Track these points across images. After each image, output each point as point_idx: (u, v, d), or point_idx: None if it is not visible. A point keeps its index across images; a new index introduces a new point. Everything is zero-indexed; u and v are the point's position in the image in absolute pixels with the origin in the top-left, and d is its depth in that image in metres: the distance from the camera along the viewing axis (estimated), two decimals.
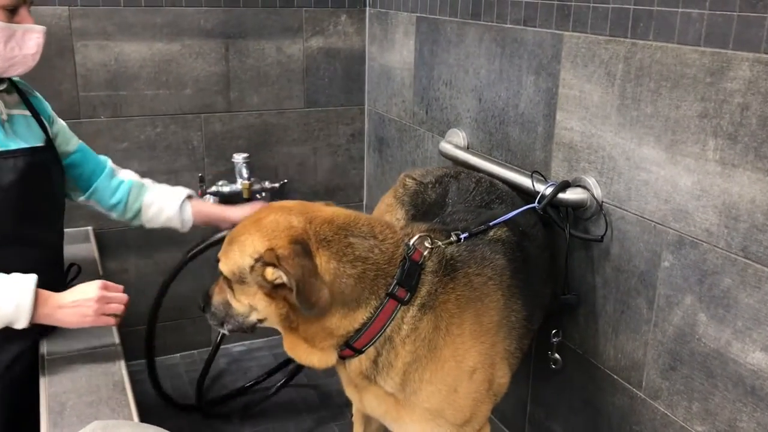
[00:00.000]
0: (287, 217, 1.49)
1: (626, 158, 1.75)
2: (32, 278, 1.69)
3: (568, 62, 1.90)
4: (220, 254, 1.55)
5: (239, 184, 2.84)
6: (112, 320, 1.78)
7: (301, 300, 1.41)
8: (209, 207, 2.24)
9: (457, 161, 2.30)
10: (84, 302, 1.73)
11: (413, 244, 1.57)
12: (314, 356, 1.53)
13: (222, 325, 1.64)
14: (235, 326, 1.61)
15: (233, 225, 2.02)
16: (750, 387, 1.51)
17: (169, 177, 2.82)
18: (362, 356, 1.53)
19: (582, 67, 1.85)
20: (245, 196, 2.83)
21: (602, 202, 1.84)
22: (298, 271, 1.40)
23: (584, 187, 1.87)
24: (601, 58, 1.79)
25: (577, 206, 1.88)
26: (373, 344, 1.51)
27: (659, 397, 1.75)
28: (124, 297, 1.81)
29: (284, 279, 1.42)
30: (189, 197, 2.16)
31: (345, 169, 3.16)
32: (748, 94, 1.43)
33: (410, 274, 1.51)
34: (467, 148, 2.36)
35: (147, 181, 2.15)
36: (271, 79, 2.92)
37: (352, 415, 2.14)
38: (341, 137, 3.11)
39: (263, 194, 2.92)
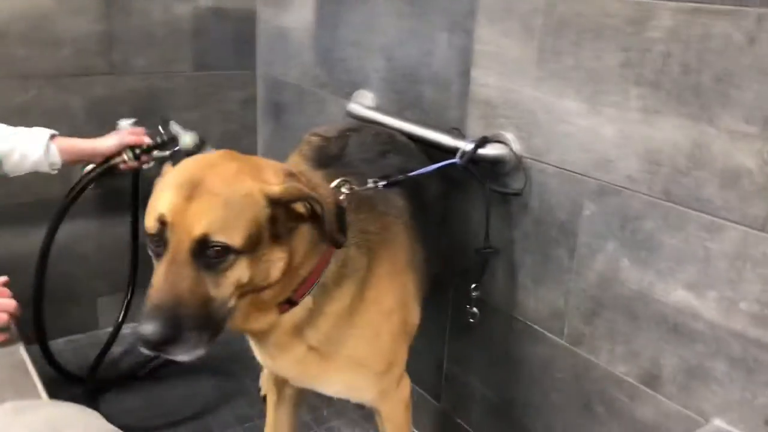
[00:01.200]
0: (253, 160, 1.39)
1: (546, 112, 1.78)
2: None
3: (484, 18, 1.90)
4: (213, 231, 1.24)
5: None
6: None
7: (332, 228, 1.33)
8: (77, 142, 2.22)
9: (367, 122, 2.26)
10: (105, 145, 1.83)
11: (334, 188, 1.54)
12: (265, 319, 1.43)
13: (204, 341, 1.25)
14: (215, 327, 1.27)
15: (106, 158, 2.12)
16: (673, 324, 1.58)
17: None
18: (297, 308, 1.45)
19: (499, 23, 1.86)
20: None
21: (521, 156, 1.86)
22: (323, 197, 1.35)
23: (503, 143, 1.89)
24: (519, 13, 1.80)
25: (496, 161, 1.89)
26: (310, 293, 1.45)
27: (581, 343, 1.80)
28: (12, 304, 1.60)
29: (317, 209, 1.32)
30: (52, 137, 2.14)
31: (238, 137, 3.03)
32: (671, 43, 1.49)
33: (341, 218, 1.45)
34: (376, 109, 2.32)
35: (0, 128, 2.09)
36: (157, 39, 2.73)
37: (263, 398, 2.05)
38: (233, 103, 2.98)
39: (151, 163, 2.74)
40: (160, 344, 1.19)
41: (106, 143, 2.18)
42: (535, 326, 1.92)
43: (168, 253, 1.24)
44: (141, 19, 2.68)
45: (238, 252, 1.25)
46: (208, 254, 1.24)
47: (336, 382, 1.61)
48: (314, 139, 2.13)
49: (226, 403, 2.53)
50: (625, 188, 1.63)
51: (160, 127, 2.05)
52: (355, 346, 1.54)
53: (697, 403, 1.56)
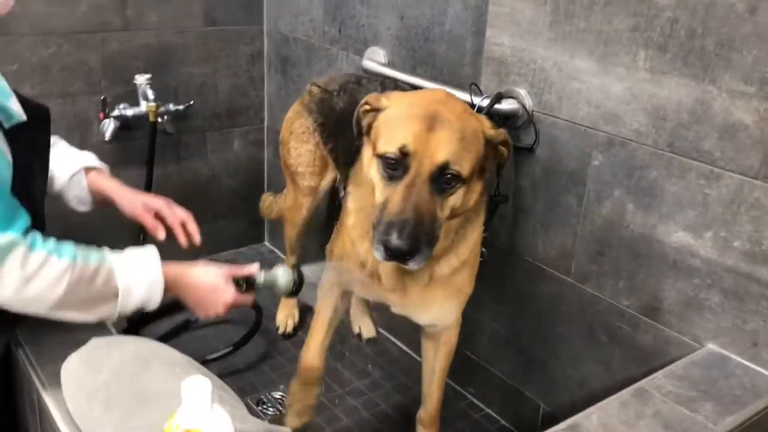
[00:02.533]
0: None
1: (558, 70, 1.94)
2: (153, 251, 1.59)
3: None
4: (452, 160, 1.44)
5: (144, 107, 2.74)
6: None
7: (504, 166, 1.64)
8: (106, 186, 1.87)
9: (382, 78, 2.40)
10: (208, 306, 1.65)
11: None
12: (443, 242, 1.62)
13: (430, 252, 1.48)
14: (434, 243, 1.49)
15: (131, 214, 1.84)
16: (672, 261, 1.79)
17: (66, 101, 2.68)
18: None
19: None
20: (151, 119, 2.74)
21: (533, 111, 2.03)
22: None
23: (515, 99, 2.05)
24: None
25: (509, 116, 2.06)
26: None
27: (588, 280, 2.01)
28: (249, 301, 1.74)
29: (505, 153, 1.58)
30: (88, 169, 1.85)
31: (245, 91, 3.14)
32: (678, 9, 1.65)
33: None
34: (389, 65, 2.46)
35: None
36: None
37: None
38: (241, 58, 3.08)
39: (166, 117, 2.85)
40: (405, 254, 1.42)
41: (128, 205, 1.87)
42: (544, 266, 2.12)
43: (408, 176, 1.46)
44: None
45: (463, 180, 1.48)
46: (442, 180, 1.46)
47: (439, 308, 1.81)
48: (315, 89, 2.29)
49: (248, 343, 2.70)
50: (632, 141, 1.81)
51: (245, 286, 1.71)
52: (464, 274, 1.78)
53: (693, 330, 1.78)
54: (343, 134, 2.03)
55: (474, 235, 1.73)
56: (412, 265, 1.47)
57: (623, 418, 1.49)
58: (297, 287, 1.75)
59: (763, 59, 1.53)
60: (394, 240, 1.40)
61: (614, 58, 1.80)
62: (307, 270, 1.80)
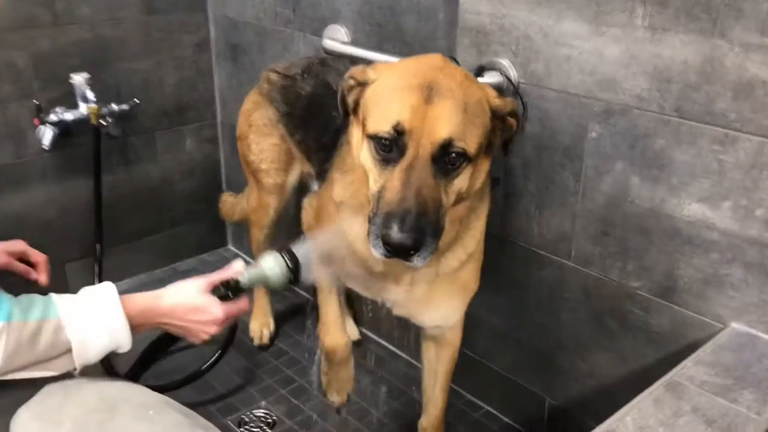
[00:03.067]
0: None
1: (544, 36, 1.76)
2: (109, 289, 1.35)
3: None
4: (457, 136, 1.24)
5: (84, 109, 2.49)
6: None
7: (512, 141, 1.44)
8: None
9: (345, 58, 2.19)
10: (196, 331, 1.43)
11: None
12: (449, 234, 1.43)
13: (436, 245, 1.28)
14: (439, 235, 1.29)
15: None
16: (687, 237, 1.64)
17: None
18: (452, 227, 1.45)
19: None
20: (93, 122, 2.49)
21: (519, 83, 1.85)
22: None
23: (498, 71, 1.87)
24: None
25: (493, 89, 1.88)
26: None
27: (591, 263, 1.85)
28: (244, 308, 1.50)
29: (513, 125, 1.38)
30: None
31: (194, 84, 2.90)
32: None
33: None
34: (353, 44, 2.25)
35: None
36: None
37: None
38: (186, 48, 2.83)
39: (109, 119, 2.60)
40: (409, 250, 1.21)
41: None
42: (541, 251, 1.96)
43: (406, 158, 1.24)
44: None
45: (469, 159, 1.27)
46: (446, 160, 1.25)
47: (446, 307, 1.65)
48: (274, 76, 2.09)
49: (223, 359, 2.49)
50: (634, 107, 1.65)
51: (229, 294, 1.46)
52: (470, 269, 1.62)
53: (715, 309, 1.63)
54: (313, 121, 1.83)
55: (479, 224, 1.56)
56: (416, 262, 1.25)
57: (661, 417, 1.33)
58: (294, 275, 1.47)
59: None
60: (395, 234, 1.19)
61: (608, 18, 1.63)
62: (301, 250, 1.50)
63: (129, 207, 2.85)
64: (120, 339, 1.32)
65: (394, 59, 1.99)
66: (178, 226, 3.06)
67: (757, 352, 1.52)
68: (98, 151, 2.54)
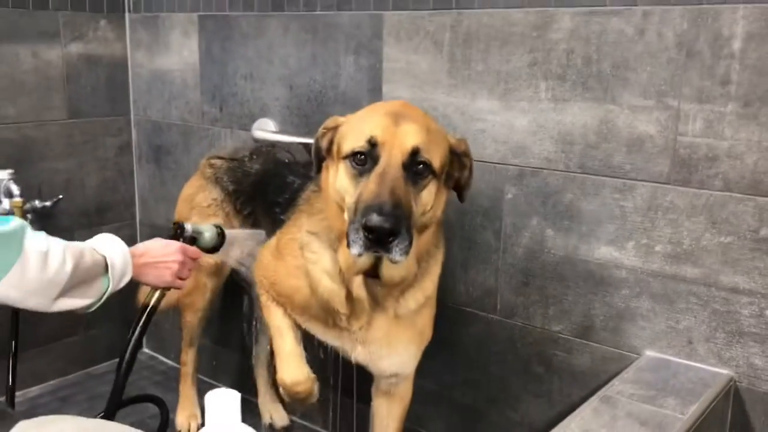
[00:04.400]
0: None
1: (461, 113, 2.02)
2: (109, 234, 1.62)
3: (391, 38, 2.12)
4: (422, 147, 1.44)
5: (7, 204, 2.49)
6: (184, 285, 1.79)
7: (467, 185, 1.62)
8: None
9: (275, 144, 2.36)
10: (166, 262, 1.69)
11: None
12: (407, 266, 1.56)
13: (409, 245, 1.39)
14: (411, 239, 1.41)
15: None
16: (599, 277, 1.86)
17: None
18: (410, 262, 1.55)
19: (407, 41, 2.09)
20: (17, 215, 2.49)
21: None
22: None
23: None
24: (426, 30, 2.04)
25: None
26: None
27: (515, 314, 2.02)
28: (199, 257, 1.83)
29: (467, 166, 1.57)
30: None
31: (115, 185, 2.96)
32: (572, 41, 1.80)
33: None
34: (282, 133, 2.43)
35: None
36: (28, 87, 2.63)
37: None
38: (108, 150, 2.91)
39: (29, 216, 2.60)
40: (388, 233, 1.33)
41: None
42: (467, 309, 2.12)
43: (379, 166, 1.43)
44: (10, 66, 2.57)
45: (434, 174, 1.46)
46: (414, 168, 1.43)
47: (404, 351, 1.74)
48: (217, 161, 2.23)
49: None
50: (543, 168, 1.90)
51: (178, 231, 1.83)
52: (426, 315, 1.74)
53: (629, 341, 1.83)
54: (263, 195, 1.99)
55: (436, 269, 1.71)
56: (395, 254, 1.36)
57: (601, 422, 1.48)
58: (221, 240, 1.90)
59: (657, 73, 1.69)
60: (375, 218, 1.32)
61: (516, 93, 1.91)
62: (230, 233, 1.96)
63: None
64: (127, 264, 1.58)
65: None
66: (91, 329, 3.00)
67: (671, 371, 1.72)
68: None
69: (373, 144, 1.44)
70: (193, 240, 1.85)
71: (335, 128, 1.57)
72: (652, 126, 1.71)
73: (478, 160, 1.97)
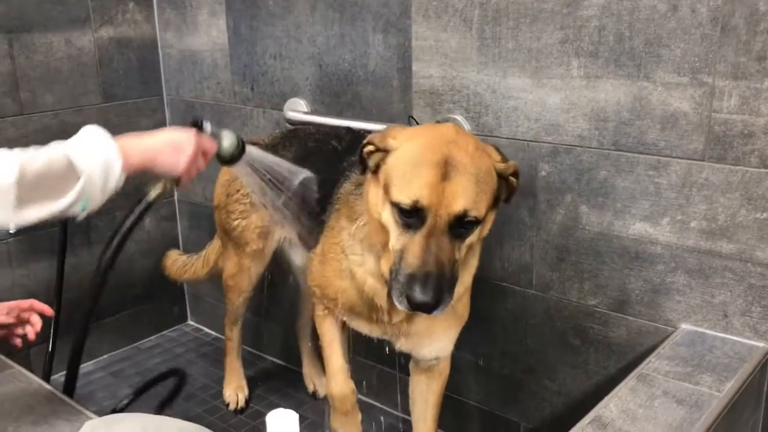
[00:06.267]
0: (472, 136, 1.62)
1: (492, 92, 2.02)
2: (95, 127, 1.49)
3: (420, 16, 2.11)
4: (470, 207, 1.43)
5: None
6: (190, 178, 1.59)
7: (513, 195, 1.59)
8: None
9: (309, 125, 2.39)
10: (179, 142, 1.53)
11: None
12: None
13: (452, 297, 1.48)
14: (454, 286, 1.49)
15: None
16: (634, 253, 1.87)
17: None
18: None
19: (435, 19, 2.08)
20: None
21: (473, 134, 2.09)
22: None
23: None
24: (455, 8, 2.03)
25: None
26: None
27: (551, 288, 2.06)
28: (210, 156, 1.63)
29: (514, 185, 1.57)
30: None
31: None
32: (603, 17, 1.78)
33: None
34: (313, 113, 2.45)
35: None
36: (63, 75, 2.68)
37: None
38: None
39: None
40: (431, 307, 1.41)
41: None
42: (504, 284, 2.15)
43: (426, 227, 1.43)
44: (45, 55, 2.62)
45: (480, 222, 1.47)
46: (461, 227, 1.44)
47: (444, 337, 1.80)
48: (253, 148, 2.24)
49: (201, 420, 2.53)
50: (577, 146, 1.90)
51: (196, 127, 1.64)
52: (464, 301, 1.79)
53: (665, 315, 1.86)
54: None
55: (474, 261, 1.73)
56: (435, 314, 1.45)
57: (639, 402, 1.52)
58: (240, 151, 1.68)
59: (691, 50, 1.67)
60: (419, 295, 1.39)
61: (547, 71, 1.90)
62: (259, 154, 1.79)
63: (89, 288, 2.88)
64: (113, 158, 1.45)
65: (360, 123, 2.22)
66: (138, 305, 3.10)
67: (707, 345, 1.75)
68: (65, 231, 2.60)
69: (419, 208, 1.42)
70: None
71: (384, 151, 1.54)
72: (687, 103, 1.70)
73: (511, 138, 2.01)
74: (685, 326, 1.83)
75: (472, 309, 2.06)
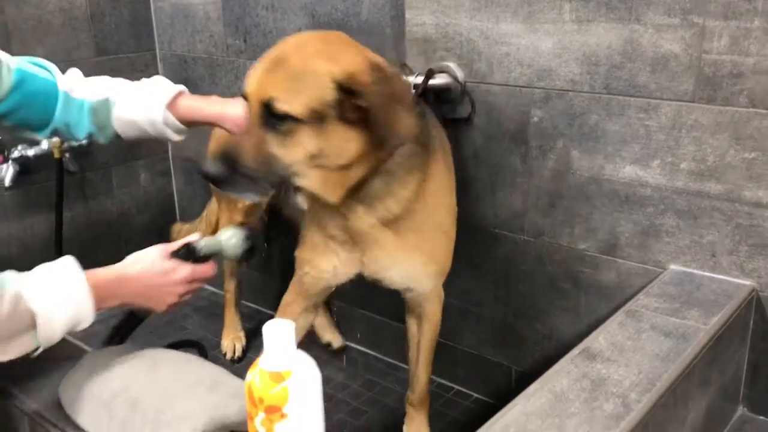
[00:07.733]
0: (343, 45, 1.54)
1: (485, 38, 2.03)
2: (70, 261, 1.32)
3: None
4: (276, 93, 1.39)
5: (46, 144, 2.58)
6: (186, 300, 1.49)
7: (386, 128, 1.44)
8: (201, 104, 1.75)
9: None
10: (168, 286, 1.41)
11: None
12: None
13: (258, 188, 1.47)
14: (275, 184, 1.48)
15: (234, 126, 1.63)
16: (624, 196, 1.90)
17: None
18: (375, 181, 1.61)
19: None
20: (56, 156, 2.59)
21: (465, 82, 2.10)
22: (384, 97, 1.44)
23: (446, 73, 2.12)
24: None
25: (442, 90, 2.12)
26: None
27: (543, 234, 2.09)
28: (209, 276, 1.50)
29: (369, 106, 1.41)
30: (172, 99, 1.71)
31: None
32: None
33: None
34: None
35: (110, 91, 1.70)
36: (55, 28, 2.67)
37: None
38: None
39: (68, 155, 2.69)
40: (215, 179, 1.44)
41: (235, 109, 1.63)
42: (496, 230, 2.18)
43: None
44: (36, 7, 2.61)
45: (298, 120, 1.41)
46: (271, 119, 1.42)
47: (407, 262, 1.77)
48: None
49: None
50: (569, 90, 1.92)
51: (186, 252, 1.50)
52: (431, 239, 1.78)
53: (654, 257, 1.89)
54: None
55: (413, 180, 1.65)
56: (237, 196, 1.76)
57: (627, 335, 1.56)
58: (249, 249, 1.54)
59: None
60: (206, 167, 1.45)
61: (540, 16, 1.91)
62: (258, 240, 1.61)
63: (87, 241, 2.91)
64: (84, 313, 1.30)
65: None
66: None
67: (695, 283, 1.78)
68: (62, 184, 2.63)
69: (245, 97, 1.48)
70: (207, 258, 1.52)
71: None
72: (677, 44, 1.72)
73: (503, 84, 2.02)
74: (674, 267, 1.87)
75: (464, 256, 2.10)
